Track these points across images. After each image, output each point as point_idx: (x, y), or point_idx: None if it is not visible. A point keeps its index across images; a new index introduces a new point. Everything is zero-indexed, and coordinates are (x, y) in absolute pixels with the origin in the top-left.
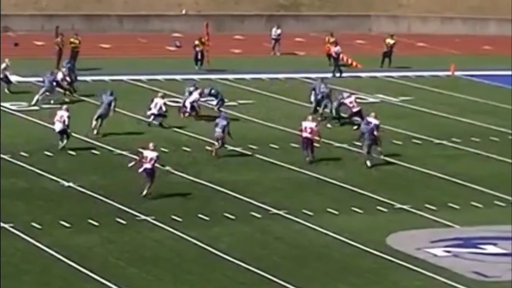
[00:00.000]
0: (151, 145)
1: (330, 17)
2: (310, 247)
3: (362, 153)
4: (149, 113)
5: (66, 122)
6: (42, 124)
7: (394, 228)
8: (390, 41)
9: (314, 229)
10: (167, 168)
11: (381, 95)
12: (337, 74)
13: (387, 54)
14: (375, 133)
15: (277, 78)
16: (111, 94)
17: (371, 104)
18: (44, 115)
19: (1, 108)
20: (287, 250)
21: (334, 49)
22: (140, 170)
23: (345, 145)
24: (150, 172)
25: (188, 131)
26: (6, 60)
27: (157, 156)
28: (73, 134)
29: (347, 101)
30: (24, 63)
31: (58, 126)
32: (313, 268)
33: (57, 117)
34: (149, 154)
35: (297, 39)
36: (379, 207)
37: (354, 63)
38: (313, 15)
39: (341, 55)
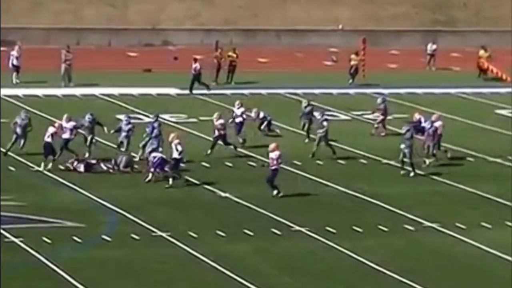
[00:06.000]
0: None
1: (486, 33)
2: (463, 260)
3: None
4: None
5: None
6: (201, 136)
7: None
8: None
9: (466, 242)
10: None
11: None
12: (194, 91)
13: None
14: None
15: (432, 93)
16: None
17: None
18: (199, 127)
19: (164, 120)
20: (440, 263)
21: (194, 66)
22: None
23: (499, 160)
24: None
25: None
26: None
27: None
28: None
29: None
30: (184, 77)
31: None
32: (467, 282)
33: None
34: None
35: (453, 54)
36: None
37: (504, 76)
38: (469, 31)
39: (201, 71)
